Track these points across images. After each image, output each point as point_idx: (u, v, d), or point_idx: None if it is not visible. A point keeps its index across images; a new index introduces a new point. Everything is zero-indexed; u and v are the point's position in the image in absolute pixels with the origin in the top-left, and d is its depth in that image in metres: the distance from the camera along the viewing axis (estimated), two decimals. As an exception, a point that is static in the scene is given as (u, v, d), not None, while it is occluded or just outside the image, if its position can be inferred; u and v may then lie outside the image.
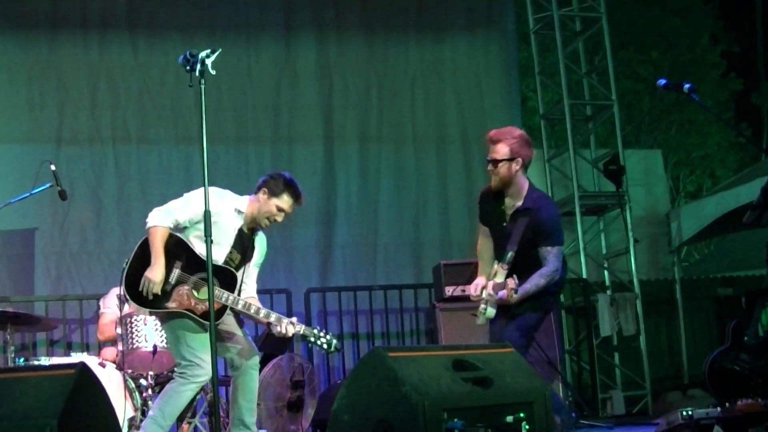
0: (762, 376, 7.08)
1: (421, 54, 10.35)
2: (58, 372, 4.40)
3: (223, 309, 5.45)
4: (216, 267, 5.41)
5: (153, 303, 5.47)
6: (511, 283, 5.61)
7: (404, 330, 9.57)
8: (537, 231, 5.79)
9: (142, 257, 5.50)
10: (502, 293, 5.66)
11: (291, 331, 5.49)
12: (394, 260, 9.88)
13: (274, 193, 5.63)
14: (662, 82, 5.88)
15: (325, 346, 5.55)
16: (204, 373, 5.45)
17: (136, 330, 6.71)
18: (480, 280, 5.94)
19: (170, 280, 5.48)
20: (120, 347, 6.83)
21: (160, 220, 5.52)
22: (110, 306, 7.44)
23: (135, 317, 6.70)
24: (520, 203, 5.88)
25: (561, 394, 7.80)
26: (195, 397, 6.94)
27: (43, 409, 4.02)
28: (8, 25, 9.31)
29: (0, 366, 7.62)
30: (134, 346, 6.67)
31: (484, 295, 5.79)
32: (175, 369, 5.60)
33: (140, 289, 5.41)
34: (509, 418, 4.40)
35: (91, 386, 4.44)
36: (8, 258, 9.06)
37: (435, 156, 10.18)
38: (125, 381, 6.50)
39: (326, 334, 5.59)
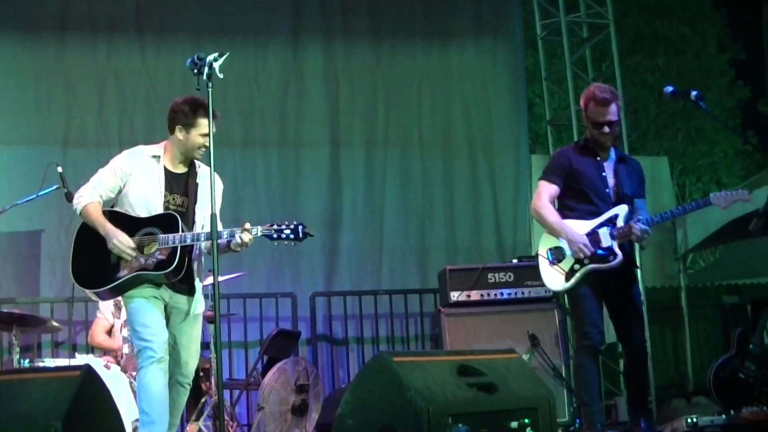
0: (767, 385, 7.08)
1: (428, 60, 10.33)
2: (63, 374, 4.42)
3: (173, 254, 5.23)
4: (150, 218, 5.35)
5: (107, 280, 5.32)
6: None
7: (409, 335, 9.55)
8: (639, 179, 6.19)
9: (83, 243, 5.42)
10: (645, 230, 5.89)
11: (247, 237, 5.20)
12: (400, 265, 9.87)
13: (190, 125, 5.42)
14: (669, 89, 5.91)
15: (291, 236, 5.17)
16: (154, 351, 5.23)
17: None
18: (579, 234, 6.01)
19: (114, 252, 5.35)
20: (125, 350, 6.86)
21: (87, 197, 5.43)
22: (104, 312, 7.50)
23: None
24: (614, 155, 6.17)
25: (566, 401, 7.78)
26: (201, 399, 6.97)
27: (47, 411, 4.04)
28: (16, 28, 9.31)
29: (5, 368, 7.64)
30: (139, 349, 6.67)
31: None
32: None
33: (93, 251, 5.31)
34: (514, 424, 4.41)
35: (96, 388, 4.45)
36: (14, 259, 9.07)
37: (441, 162, 10.17)
38: (130, 383, 6.51)
39: (289, 223, 5.21)
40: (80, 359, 7.04)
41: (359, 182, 9.94)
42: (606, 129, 5.99)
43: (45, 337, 8.62)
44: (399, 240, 9.91)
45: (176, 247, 5.23)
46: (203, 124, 5.39)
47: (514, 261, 8.51)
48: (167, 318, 5.47)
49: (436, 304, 8.80)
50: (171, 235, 5.25)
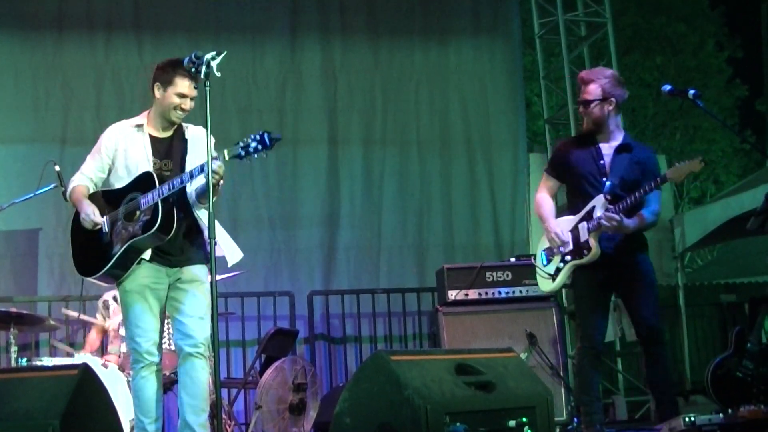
0: (765, 383, 7.08)
1: (426, 58, 10.33)
2: (61, 372, 4.42)
3: (156, 211, 5.08)
4: (130, 184, 5.27)
5: (104, 261, 5.21)
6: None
7: (407, 333, 9.55)
8: (645, 169, 5.85)
9: (78, 233, 5.38)
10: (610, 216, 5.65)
11: (216, 165, 4.97)
12: (398, 264, 9.87)
13: (167, 83, 5.35)
14: (667, 87, 5.87)
15: (260, 147, 4.94)
16: (140, 356, 5.19)
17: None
18: (558, 225, 5.90)
19: (104, 229, 5.25)
20: (123, 348, 6.86)
21: (75, 182, 5.46)
22: (96, 315, 7.57)
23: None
24: (618, 142, 5.92)
25: (564, 400, 7.78)
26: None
27: (45, 410, 4.04)
28: (14, 26, 9.31)
29: (3, 366, 7.64)
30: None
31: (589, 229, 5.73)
32: None
33: (88, 237, 5.26)
34: (511, 423, 4.40)
35: (94, 387, 4.45)
36: (12, 258, 9.06)
37: (439, 159, 10.16)
38: (128, 382, 6.50)
39: (254, 135, 4.99)
40: (78, 358, 7.04)
41: (357, 180, 9.93)
42: (580, 108, 5.96)
43: (43, 336, 8.60)
44: (397, 238, 9.90)
45: (157, 203, 5.10)
46: (181, 84, 5.32)
47: (512, 260, 8.49)
48: (168, 295, 5.33)
49: (434, 303, 8.79)
50: (149, 194, 5.13)
